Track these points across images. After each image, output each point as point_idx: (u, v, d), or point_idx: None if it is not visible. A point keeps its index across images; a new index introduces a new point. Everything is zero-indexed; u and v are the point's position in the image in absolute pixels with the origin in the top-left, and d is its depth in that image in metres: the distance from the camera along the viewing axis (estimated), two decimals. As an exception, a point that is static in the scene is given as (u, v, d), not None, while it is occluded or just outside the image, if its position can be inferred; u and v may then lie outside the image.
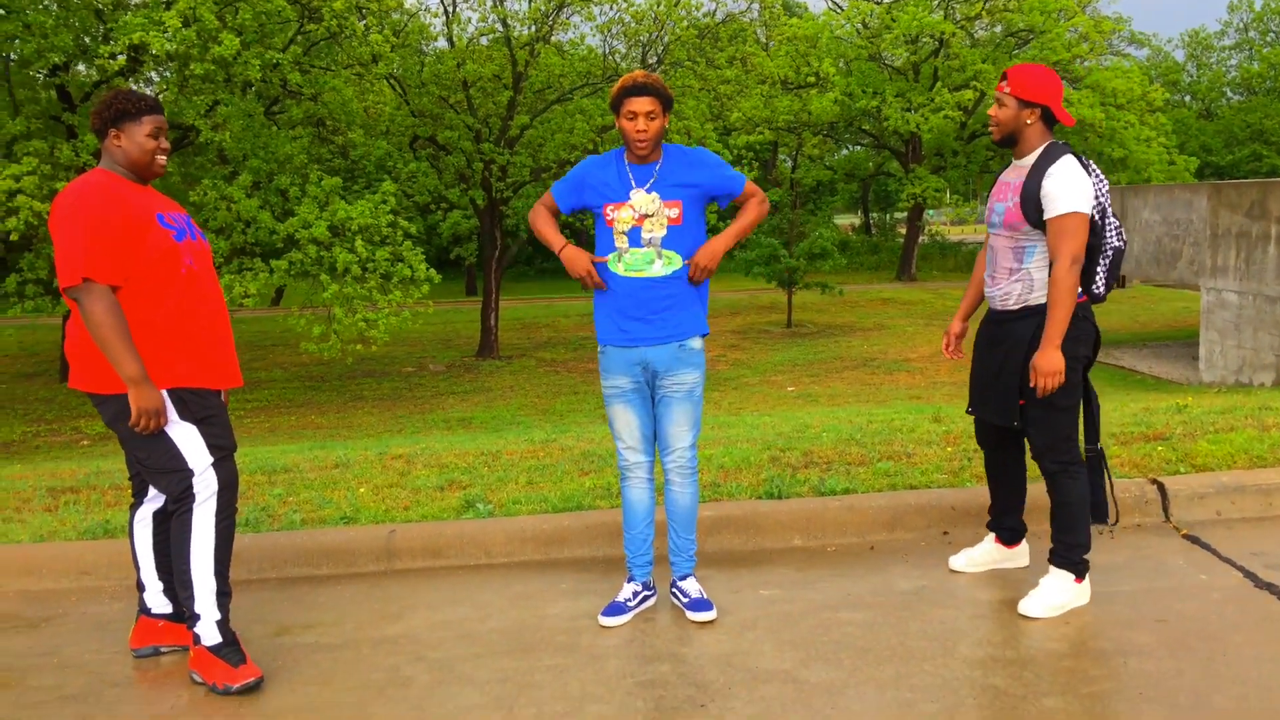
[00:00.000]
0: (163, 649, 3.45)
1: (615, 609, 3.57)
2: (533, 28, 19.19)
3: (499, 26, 19.56)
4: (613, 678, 3.12)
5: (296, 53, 16.15)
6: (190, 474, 3.17)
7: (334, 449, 6.57)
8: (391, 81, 19.88)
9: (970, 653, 3.16)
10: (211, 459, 3.19)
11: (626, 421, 3.56)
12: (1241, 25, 42.60)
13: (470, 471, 5.34)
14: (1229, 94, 42.72)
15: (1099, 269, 3.42)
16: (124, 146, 3.18)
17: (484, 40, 20.39)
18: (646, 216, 3.39)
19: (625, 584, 3.65)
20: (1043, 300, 3.37)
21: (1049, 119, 3.41)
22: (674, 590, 3.65)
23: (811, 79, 28.52)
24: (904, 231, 35.77)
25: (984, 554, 3.82)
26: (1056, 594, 3.41)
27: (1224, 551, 3.84)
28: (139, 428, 3.07)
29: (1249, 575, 3.62)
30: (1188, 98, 42.84)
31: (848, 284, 28.51)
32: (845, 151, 38.98)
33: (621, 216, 3.41)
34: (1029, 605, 3.40)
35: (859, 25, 30.87)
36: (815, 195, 40.51)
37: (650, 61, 21.33)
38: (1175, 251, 16.61)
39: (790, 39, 29.25)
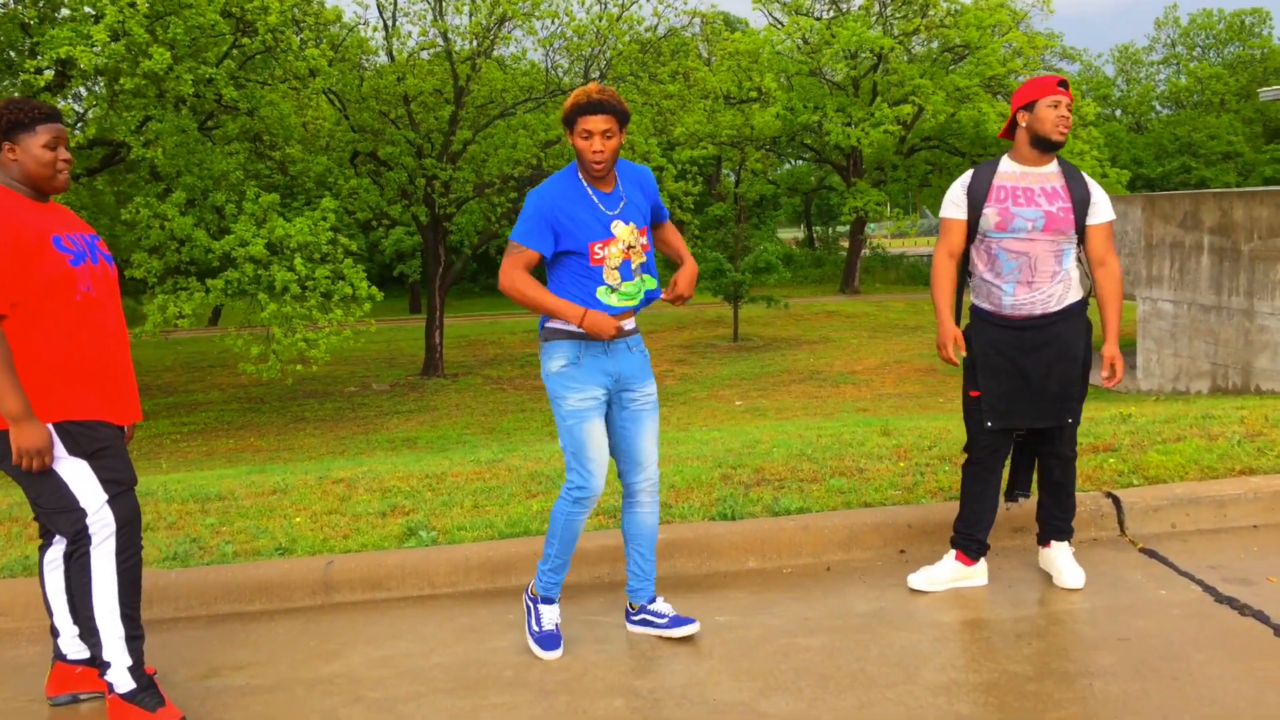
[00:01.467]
0: (81, 696, 3.22)
1: (546, 640, 3.38)
2: (474, 42, 19.02)
3: (440, 41, 19.36)
4: (562, 715, 2.97)
5: (230, 67, 15.82)
6: (83, 513, 2.94)
7: (273, 473, 6.33)
8: (330, 96, 19.56)
9: (934, 678, 3.06)
10: (106, 496, 2.96)
11: (600, 441, 3.27)
12: (1169, 40, 43.85)
13: (414, 496, 5.16)
14: (1158, 107, 43.90)
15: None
16: (19, 160, 2.95)
17: (425, 55, 20.16)
18: (630, 248, 3.25)
19: (537, 609, 3.45)
20: (1077, 299, 3.58)
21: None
22: (645, 614, 3.49)
23: (754, 94, 28.67)
24: (847, 245, 36.11)
25: (945, 572, 3.75)
26: (1075, 562, 3.74)
27: (1182, 565, 3.80)
28: (23, 467, 2.85)
29: (1208, 589, 3.57)
30: (1118, 112, 43.92)
31: (793, 297, 28.66)
32: (788, 166, 39.29)
33: (611, 253, 3.21)
34: (1076, 578, 3.66)
35: (799, 40, 31.18)
36: (759, 209, 40.74)
37: (593, 76, 21.26)
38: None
39: (732, 54, 29.38)
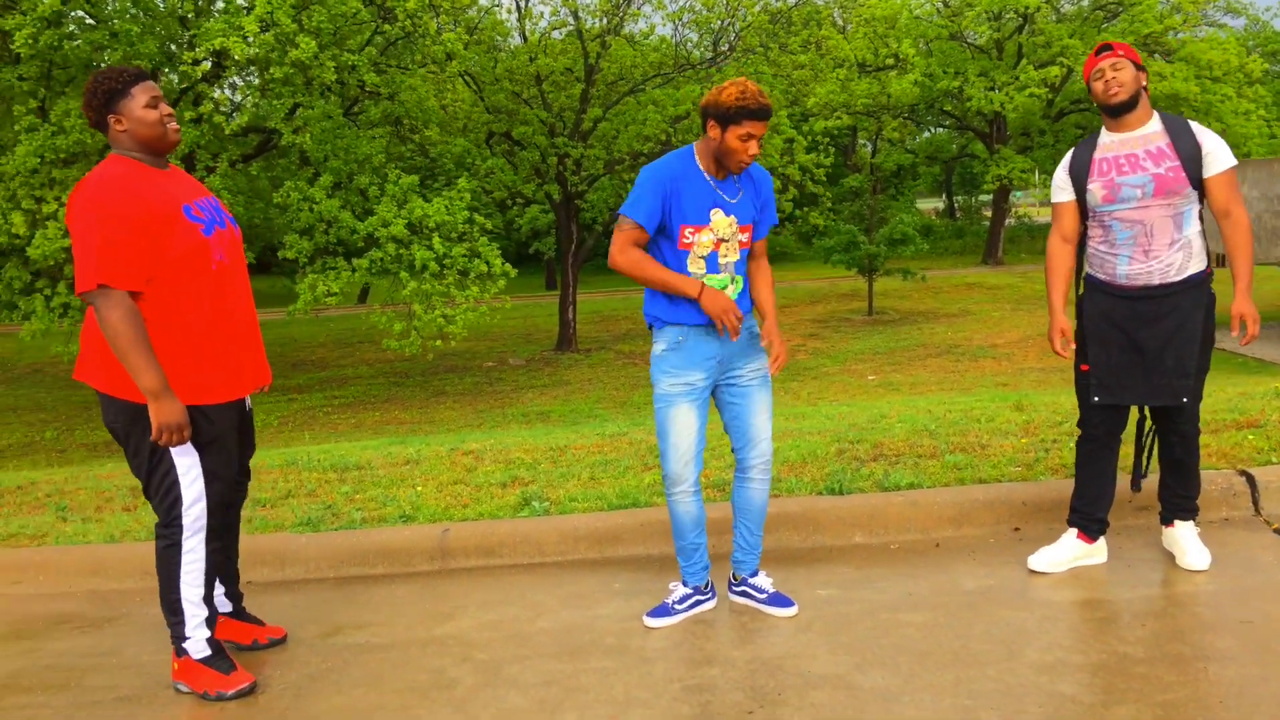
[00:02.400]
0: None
1: (661, 611, 3.47)
2: (604, 20, 19.14)
3: (570, 19, 19.56)
4: (659, 682, 3.04)
5: (372, 53, 16.37)
6: (181, 502, 3.02)
7: (410, 445, 6.61)
8: (466, 79, 20.05)
9: (1038, 657, 3.00)
10: (206, 490, 3.06)
11: (687, 425, 3.29)
12: (1351, -13, 40.34)
13: (534, 467, 5.32)
14: (1336, 61, 40.54)
15: None
16: (128, 128, 2.95)
17: (556, 34, 20.41)
18: (723, 241, 3.22)
19: (677, 586, 3.55)
20: (1200, 269, 3.39)
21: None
22: (746, 588, 3.52)
23: (890, 61, 27.96)
24: (989, 215, 34.86)
25: (1066, 551, 3.63)
26: (1200, 542, 3.58)
27: (1323, 548, 3.59)
28: (161, 443, 2.92)
29: (1347, 574, 3.37)
30: (1292, 66, 40.77)
31: (931, 269, 27.88)
32: (927, 134, 38.10)
33: (701, 240, 3.20)
34: (1200, 559, 3.51)
35: (939, 4, 30.12)
36: (896, 180, 39.71)
37: (722, 49, 21.10)
38: (1276, 229, 15.82)
39: (868, 20, 28.66)
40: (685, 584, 3.52)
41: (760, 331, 3.34)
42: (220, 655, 3.17)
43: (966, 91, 28.38)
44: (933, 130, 37.52)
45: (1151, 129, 3.40)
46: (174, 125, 3.00)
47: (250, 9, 14.29)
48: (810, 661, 3.09)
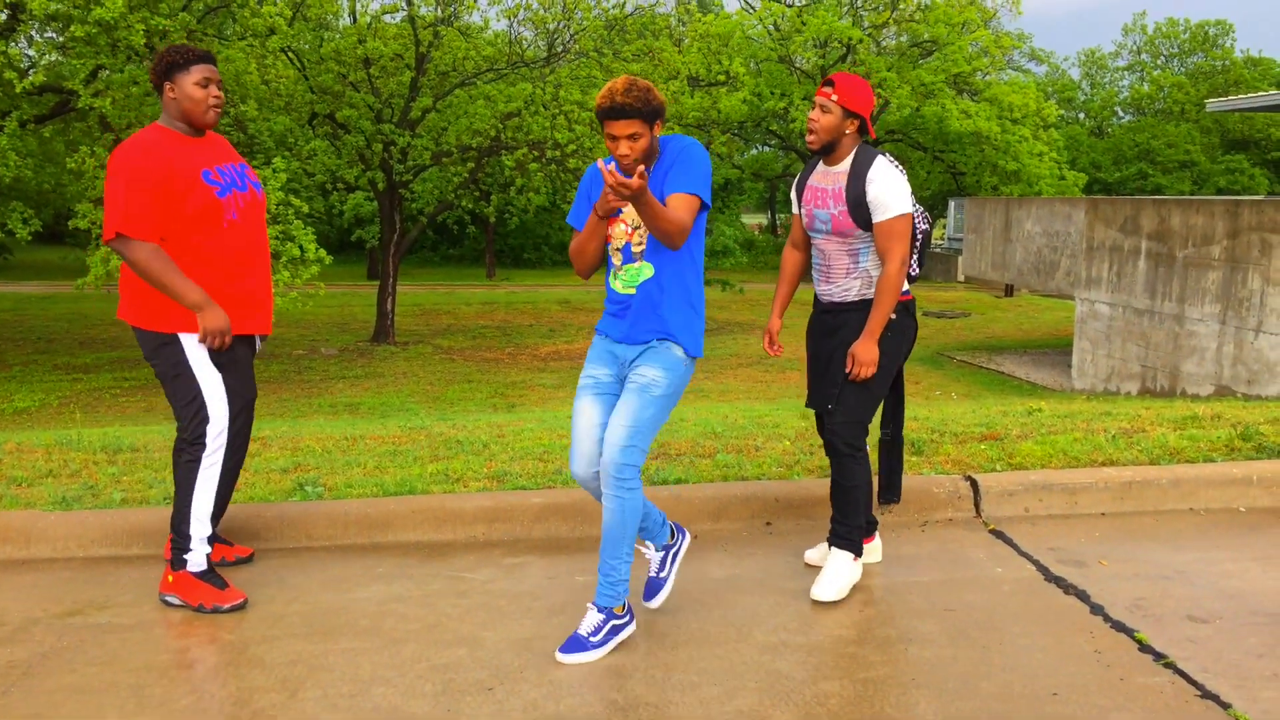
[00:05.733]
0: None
1: (653, 587, 3.46)
2: (437, 8, 18.93)
3: (403, 5, 19.24)
4: (407, 662, 3.11)
5: (187, 19, 15.64)
6: (206, 419, 3.40)
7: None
8: (290, 55, 19.40)
9: (764, 638, 3.23)
10: (229, 409, 3.45)
11: (586, 416, 3.23)
12: (1135, 47, 44.39)
13: (321, 456, 5.26)
14: (1120, 113, 44.47)
15: (913, 252, 3.59)
16: (176, 98, 3.34)
17: (388, 19, 20.03)
18: (636, 229, 3.19)
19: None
20: (870, 295, 3.52)
21: (863, 130, 3.53)
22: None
23: (722, 77, 28.75)
24: (808, 233, 36.32)
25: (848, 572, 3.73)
26: (843, 574, 3.52)
27: (1024, 546, 4.00)
28: (210, 345, 3.36)
29: (1042, 569, 3.77)
30: (1081, 115, 44.45)
31: (751, 282, 28.85)
32: (754, 151, 39.42)
33: (615, 233, 3.21)
34: (822, 590, 3.48)
35: (770, 26, 31.26)
36: (724, 193, 40.86)
37: (558, 50, 21.22)
38: (1054, 262, 17.23)
39: (703, 36, 29.42)
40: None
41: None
42: (214, 572, 3.48)
43: (791, 113, 29.55)
44: (759, 148, 38.85)
45: (840, 169, 3.49)
46: (216, 105, 3.39)
47: (52, -39, 13.41)
48: (557, 642, 3.22)
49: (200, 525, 3.46)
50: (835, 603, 3.49)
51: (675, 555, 3.49)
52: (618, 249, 3.25)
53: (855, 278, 3.55)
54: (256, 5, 15.52)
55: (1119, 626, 3.28)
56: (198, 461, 3.42)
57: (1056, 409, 6.67)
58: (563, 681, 2.97)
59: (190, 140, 3.39)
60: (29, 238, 15.72)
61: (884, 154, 3.49)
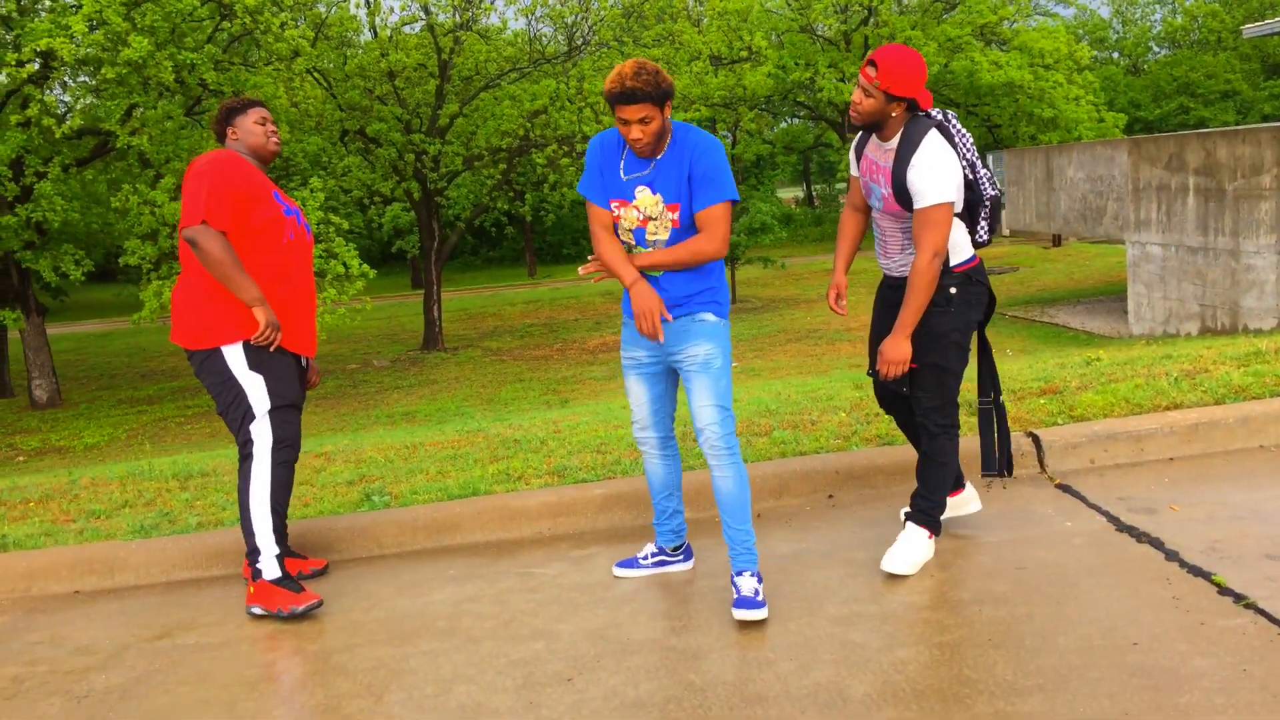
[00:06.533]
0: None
1: (628, 563, 3.72)
2: (455, 14, 19.03)
3: (421, 15, 19.38)
4: (486, 659, 3.16)
5: (213, 51, 15.90)
6: (252, 418, 3.59)
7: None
8: (315, 75, 19.64)
9: (835, 610, 3.24)
10: (270, 406, 3.60)
11: (636, 393, 3.48)
12: (1165, -21, 43.26)
13: (384, 465, 5.35)
14: (1155, 49, 43.42)
15: (981, 219, 3.47)
16: (240, 137, 3.68)
17: (408, 29, 20.19)
18: (651, 219, 3.21)
19: (649, 544, 3.77)
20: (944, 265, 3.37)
21: (913, 107, 3.35)
22: (732, 582, 3.33)
23: (744, 53, 28.55)
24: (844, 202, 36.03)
25: (952, 507, 3.74)
26: (918, 549, 3.48)
27: (1091, 498, 3.95)
28: (264, 340, 3.56)
29: (1112, 519, 3.73)
30: (1115, 54, 43.48)
31: (791, 257, 28.70)
32: (784, 125, 39.13)
33: (627, 215, 3.23)
34: (893, 563, 3.45)
35: (789, -3, 30.98)
36: (757, 170, 40.64)
37: (577, 43, 21.24)
38: (1100, 207, 16.91)
39: (721, 13, 29.24)
40: (655, 543, 3.71)
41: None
42: (290, 577, 3.65)
43: (818, 83, 29.30)
44: (789, 121, 38.56)
45: (892, 145, 3.36)
46: (276, 139, 3.73)
47: (78, 8, 13.70)
48: (630, 629, 3.26)
49: (263, 529, 3.62)
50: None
51: (663, 565, 3.69)
52: (629, 229, 3.26)
53: (910, 252, 3.44)
54: (279, 30, 15.72)
55: (1195, 571, 3.24)
56: (250, 458, 3.61)
57: (1115, 357, 6.57)
58: (639, 668, 3.01)
59: (253, 166, 3.69)
60: (82, 278, 16.13)
61: (936, 128, 3.31)
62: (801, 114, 36.18)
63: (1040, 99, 27.58)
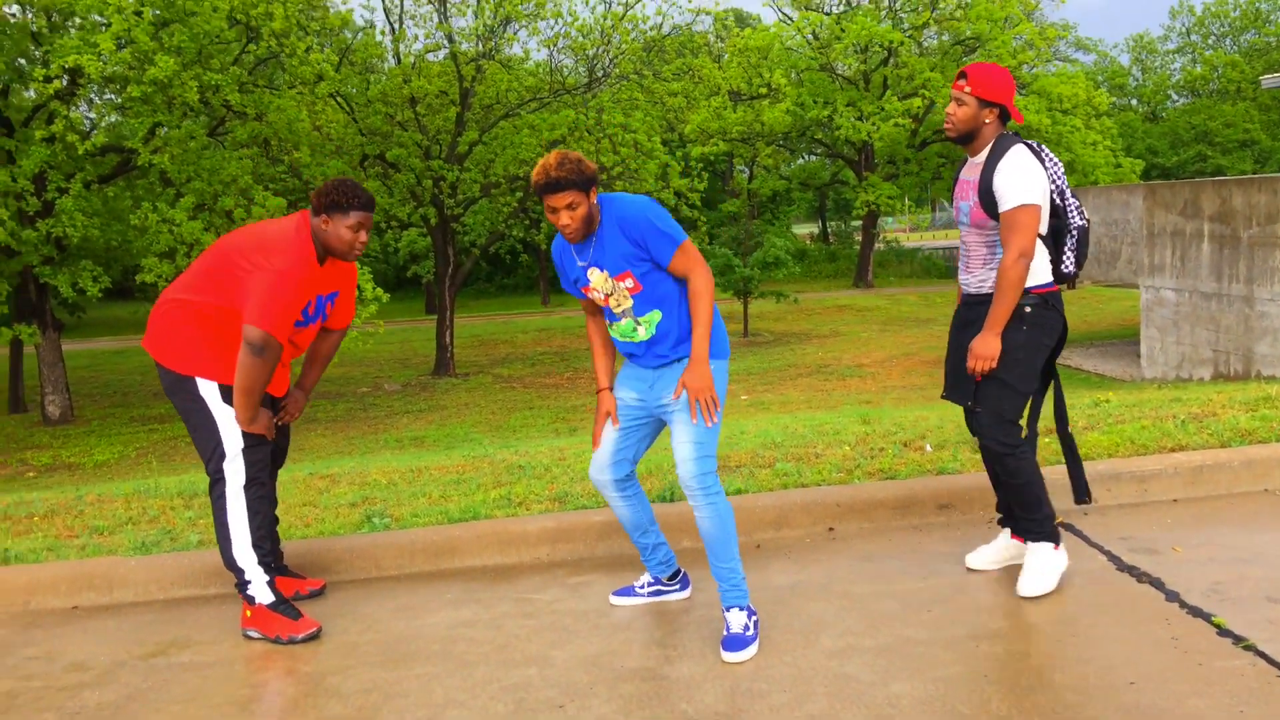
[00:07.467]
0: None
1: (625, 591, 3.73)
2: (478, 44, 19.26)
3: (445, 43, 19.61)
4: (479, 684, 3.15)
5: (238, 73, 16.10)
6: (223, 455, 3.53)
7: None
8: (338, 100, 19.86)
9: (830, 643, 3.22)
10: (244, 445, 3.54)
11: (607, 432, 3.50)
12: (1184, 29, 43.43)
13: (387, 488, 5.35)
14: (1174, 96, 43.52)
15: (1066, 248, 3.50)
16: (329, 231, 3.49)
17: (431, 57, 20.43)
18: (609, 295, 3.32)
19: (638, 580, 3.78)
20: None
21: (1004, 117, 3.44)
22: (723, 617, 3.39)
23: (763, 90, 28.78)
24: (860, 239, 36.12)
25: (997, 551, 3.73)
26: (1048, 566, 3.47)
27: (1093, 537, 3.93)
28: (247, 429, 3.52)
29: (1113, 559, 3.70)
30: (1134, 101, 43.59)
31: (805, 292, 28.72)
32: (801, 161, 39.30)
33: (594, 297, 3.38)
34: (1028, 586, 3.43)
35: (809, 36, 31.22)
36: (773, 205, 40.80)
37: (598, 75, 21.44)
38: (1115, 251, 16.89)
39: (742, 50, 29.51)
40: (649, 574, 3.73)
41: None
42: (285, 602, 3.59)
43: (836, 120, 29.46)
44: (806, 157, 38.74)
45: (981, 159, 3.44)
46: (361, 247, 3.56)
47: (107, 26, 13.92)
48: (624, 658, 3.24)
49: (245, 555, 3.55)
50: (902, 602, 3.46)
51: (659, 594, 3.70)
52: (603, 308, 3.40)
53: (991, 268, 3.47)
54: (305, 54, 15.93)
55: (1195, 612, 3.21)
56: (224, 496, 3.54)
57: (1124, 399, 6.54)
58: (632, 696, 2.99)
59: (319, 269, 3.55)
60: (99, 295, 16.26)
61: (1028, 142, 3.40)
62: (819, 151, 36.32)
63: (1058, 143, 27.62)
